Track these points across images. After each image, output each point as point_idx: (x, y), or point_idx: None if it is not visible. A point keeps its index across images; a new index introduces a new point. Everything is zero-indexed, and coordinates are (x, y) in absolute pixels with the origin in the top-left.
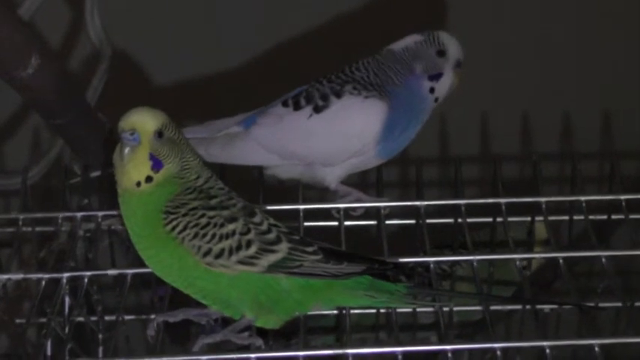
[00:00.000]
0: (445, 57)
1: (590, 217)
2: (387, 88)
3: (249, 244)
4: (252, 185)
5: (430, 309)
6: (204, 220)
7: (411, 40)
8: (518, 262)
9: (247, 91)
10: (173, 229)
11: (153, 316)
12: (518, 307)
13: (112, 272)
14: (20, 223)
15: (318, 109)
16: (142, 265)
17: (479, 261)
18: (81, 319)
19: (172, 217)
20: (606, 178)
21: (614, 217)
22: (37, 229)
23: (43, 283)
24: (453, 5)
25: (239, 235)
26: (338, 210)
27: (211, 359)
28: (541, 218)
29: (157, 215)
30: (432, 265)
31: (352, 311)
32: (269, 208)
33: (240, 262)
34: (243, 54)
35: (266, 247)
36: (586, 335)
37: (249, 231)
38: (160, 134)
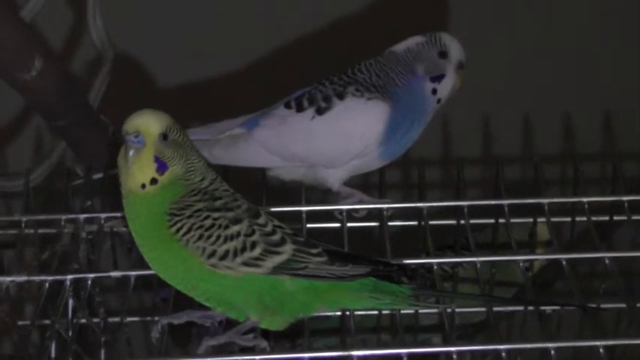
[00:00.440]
0: (447, 58)
1: (593, 218)
2: (389, 90)
3: (253, 245)
4: (254, 187)
5: (433, 310)
6: (208, 222)
7: (412, 41)
8: (521, 264)
9: (250, 93)
10: (177, 230)
11: (156, 319)
12: (521, 308)
13: (115, 274)
14: (23, 225)
15: (320, 111)
16: (145, 267)
17: (481, 262)
18: (84, 321)
19: (177, 218)
20: (608, 179)
21: (616, 218)
22: (40, 231)
23: (47, 285)
24: (455, 7)
25: (244, 237)
26: (340, 211)
27: None
28: (543, 219)
29: (162, 217)
30: (435, 267)
31: (355, 312)
32: (272, 209)
33: (245, 264)
34: (246, 56)
35: (271, 249)
36: (590, 336)
37: (253, 232)
38: (164, 136)
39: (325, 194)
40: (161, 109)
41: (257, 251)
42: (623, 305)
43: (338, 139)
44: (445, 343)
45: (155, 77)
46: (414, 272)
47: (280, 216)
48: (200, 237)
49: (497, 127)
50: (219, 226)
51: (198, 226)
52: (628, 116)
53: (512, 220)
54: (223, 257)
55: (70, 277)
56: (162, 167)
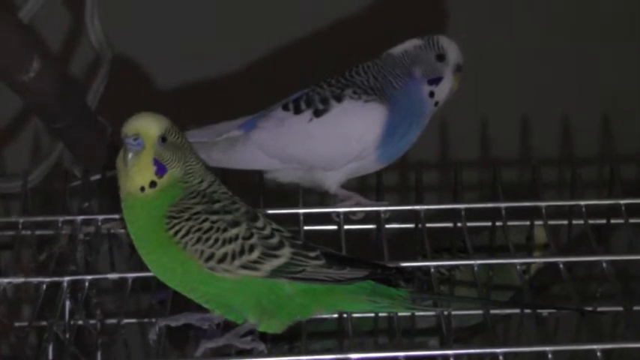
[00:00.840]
0: (445, 61)
1: (590, 221)
2: (386, 93)
3: (252, 248)
4: (252, 189)
5: (430, 313)
6: (207, 225)
7: (410, 44)
8: (518, 267)
9: (248, 95)
10: (176, 233)
11: (154, 321)
12: (518, 311)
13: (112, 276)
14: (20, 226)
15: (318, 113)
16: (143, 269)
17: (479, 265)
18: (81, 322)
19: (175, 221)
20: (606, 182)
21: (613, 221)
22: (37, 232)
23: (44, 286)
24: (453, 10)
25: (242, 240)
26: (338, 214)
27: None
28: (541, 222)
29: (160, 220)
30: (432, 270)
31: (352, 315)
32: (269, 211)
33: (243, 267)
34: (244, 57)
35: (269, 252)
36: (587, 339)
37: (252, 235)
38: (163, 139)
39: (323, 197)
40: (159, 110)
41: (255, 254)
42: (621, 308)
43: (336, 142)
44: (442, 346)
45: (153, 79)
46: (412, 275)
47: (278, 218)
48: (198, 240)
49: (494, 130)
50: (218, 229)
51: (197, 228)
52: (626, 119)
53: (510, 223)
54: (221, 260)
55: (67, 278)
56: (161, 170)
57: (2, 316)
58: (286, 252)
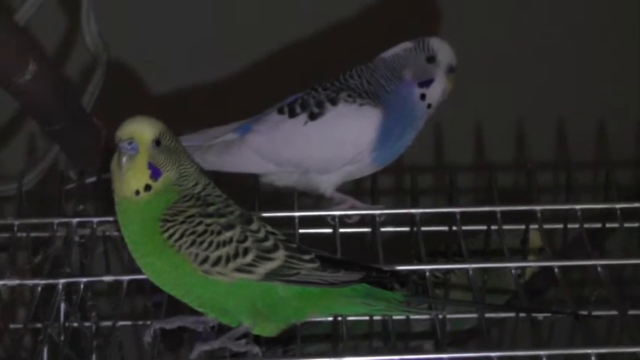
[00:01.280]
0: (435, 63)
1: (585, 225)
2: (380, 96)
3: (246, 251)
4: (247, 192)
5: (425, 317)
6: (201, 228)
7: (401, 47)
8: (513, 271)
9: (243, 99)
10: (170, 236)
11: (149, 323)
12: (513, 315)
13: (107, 279)
14: (15, 228)
15: (313, 116)
16: (138, 271)
17: (474, 269)
18: (76, 325)
19: (169, 224)
20: (601, 186)
21: (608, 225)
22: (33, 234)
23: (39, 289)
24: (448, 13)
25: (236, 243)
26: (333, 217)
27: None
28: (536, 226)
29: (155, 223)
30: (427, 273)
31: (347, 318)
32: (264, 215)
33: (238, 270)
34: (239, 61)
35: (263, 255)
36: (581, 343)
37: (246, 239)
38: (157, 143)
39: (318, 200)
40: (154, 113)
41: (249, 257)
42: (615, 312)
43: (331, 145)
44: (437, 350)
45: (148, 81)
46: (407, 278)
47: (273, 221)
48: (193, 243)
49: (490, 134)
50: (212, 232)
51: (191, 232)
52: (621, 123)
53: (505, 227)
54: (216, 263)
55: (62, 281)
56: (155, 174)
57: None
58: (281, 255)
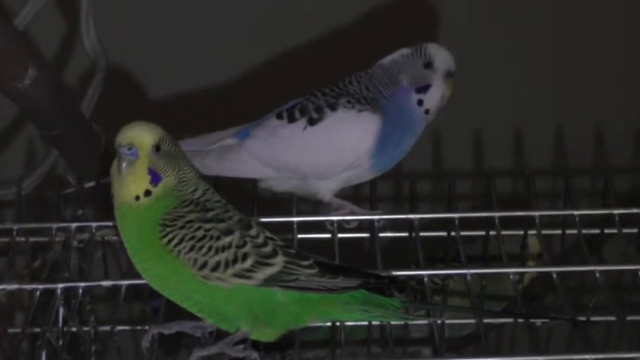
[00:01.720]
0: (432, 68)
1: (584, 231)
2: (378, 102)
3: (245, 257)
4: (246, 198)
5: (424, 322)
6: (200, 233)
7: (398, 54)
8: (511, 276)
9: (242, 104)
10: (169, 241)
11: (147, 328)
12: (511, 320)
13: (106, 283)
14: (14, 233)
15: (312, 122)
16: (136, 276)
17: (472, 275)
18: (74, 329)
19: (169, 229)
20: (599, 192)
21: (607, 231)
22: (31, 239)
23: (38, 293)
24: (448, 19)
25: (235, 248)
26: (332, 222)
27: None
28: (534, 232)
29: (154, 228)
30: (425, 279)
31: (345, 324)
32: (263, 220)
33: (236, 275)
34: (238, 66)
35: (262, 261)
36: (579, 349)
37: (245, 244)
38: (157, 148)
39: (316, 205)
40: (153, 119)
41: (248, 263)
42: (613, 318)
43: (329, 150)
44: (435, 356)
45: (147, 87)
46: (405, 284)
47: (272, 226)
48: (192, 248)
49: (488, 140)
50: (211, 237)
51: (190, 237)
52: (619, 129)
53: (504, 233)
54: (215, 268)
55: (60, 285)
56: (155, 179)
57: None
58: (279, 260)
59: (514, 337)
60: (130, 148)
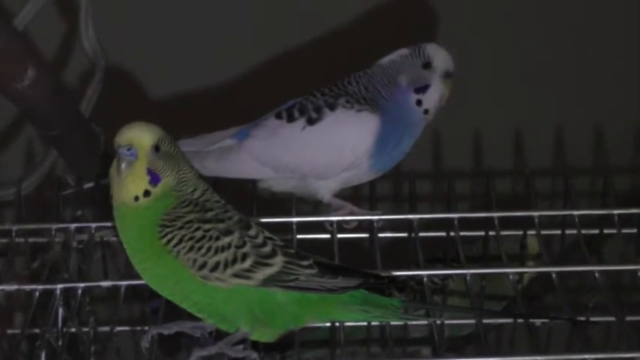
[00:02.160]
0: (431, 69)
1: (583, 231)
2: (377, 103)
3: (244, 257)
4: (245, 198)
5: (423, 322)
6: (199, 233)
7: (397, 54)
8: (511, 276)
9: (241, 104)
10: (168, 242)
11: (146, 329)
12: (511, 320)
13: (105, 284)
14: (13, 234)
15: (311, 122)
16: (136, 277)
17: (472, 275)
18: (74, 330)
19: (168, 230)
20: (599, 192)
21: (606, 231)
22: (31, 240)
23: (37, 294)
24: (447, 20)
25: (234, 249)
26: (331, 223)
27: None
28: (534, 232)
29: (153, 228)
30: (425, 279)
31: (344, 324)
32: (262, 220)
33: (236, 276)
34: (238, 67)
35: (261, 261)
36: (579, 349)
37: (244, 244)
38: (156, 148)
39: (316, 206)
40: (153, 119)
41: (248, 263)
42: (613, 319)
43: (329, 150)
44: (434, 356)
45: (147, 87)
46: (404, 284)
47: (271, 227)
48: (191, 248)
49: (488, 140)
50: (210, 238)
51: (189, 237)
52: (619, 130)
53: (503, 233)
54: (214, 269)
55: (60, 286)
56: (155, 179)
57: None
58: (279, 261)
59: (514, 338)
60: (129, 149)
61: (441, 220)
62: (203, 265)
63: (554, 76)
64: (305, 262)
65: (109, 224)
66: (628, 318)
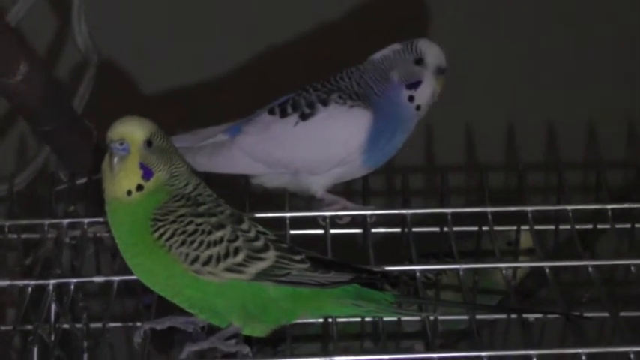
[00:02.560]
0: (423, 65)
1: (576, 226)
2: (369, 98)
3: (236, 251)
4: (238, 192)
5: (416, 317)
6: (191, 228)
7: (389, 50)
8: (504, 271)
9: (234, 99)
10: (161, 236)
11: (139, 324)
12: (504, 315)
13: (98, 279)
14: (6, 229)
15: (304, 117)
16: (128, 272)
17: (465, 270)
18: (66, 326)
19: (160, 224)
20: (592, 186)
21: (599, 226)
22: (24, 235)
23: (30, 290)
24: (439, 15)
25: (227, 243)
26: (324, 218)
27: None
28: (527, 227)
29: (145, 223)
30: (418, 274)
31: (338, 319)
32: (255, 215)
33: (228, 270)
34: (230, 62)
35: (254, 255)
36: (572, 344)
37: (236, 238)
38: (149, 143)
39: (309, 201)
40: (145, 114)
41: (240, 257)
42: (606, 313)
43: (321, 145)
44: (427, 350)
45: (139, 82)
46: (397, 279)
47: (264, 222)
48: (183, 242)
49: (481, 135)
50: (203, 232)
51: (182, 231)
52: (612, 124)
53: (496, 228)
54: (206, 263)
55: (52, 281)
56: (147, 174)
57: None
58: (271, 255)
59: (507, 332)
60: (121, 144)
61: (434, 215)
62: (195, 259)
63: (547, 70)
64: (297, 257)
65: (101, 220)
66: (621, 313)
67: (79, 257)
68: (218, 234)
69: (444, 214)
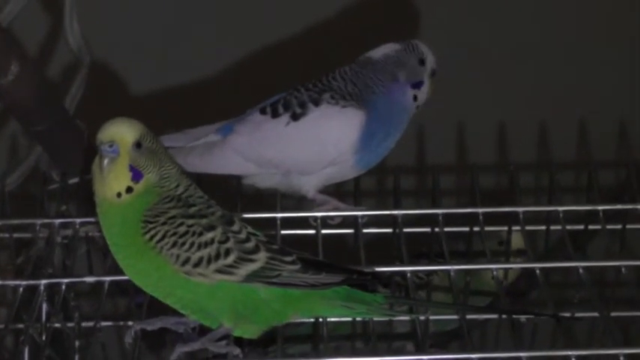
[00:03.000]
0: (424, 66)
1: (568, 227)
2: (365, 98)
3: (227, 252)
4: (230, 194)
5: (407, 318)
6: (182, 229)
7: (390, 48)
8: (495, 272)
9: (225, 99)
10: (152, 238)
11: (130, 324)
12: (495, 316)
13: (89, 279)
14: None
15: (295, 117)
16: (120, 272)
17: (456, 271)
18: (58, 325)
19: (151, 226)
20: (583, 187)
21: (591, 227)
22: (15, 235)
23: (21, 289)
24: (428, 14)
25: (217, 244)
26: (315, 218)
27: None
28: (518, 228)
29: (136, 225)
30: (409, 275)
31: (328, 320)
32: (246, 215)
33: (219, 271)
34: (221, 62)
35: (244, 256)
36: (563, 346)
37: (227, 240)
38: (138, 145)
39: (300, 201)
40: (136, 115)
41: (231, 259)
42: (597, 315)
43: (312, 145)
44: (418, 351)
45: (131, 83)
46: (389, 280)
47: (255, 222)
48: (174, 244)
49: (472, 136)
50: (193, 233)
51: (172, 233)
52: (603, 124)
53: (487, 229)
54: (197, 264)
55: (44, 281)
56: (137, 176)
57: None
58: (262, 256)
59: (498, 334)
60: (110, 145)
61: (425, 215)
62: (186, 261)
63: (538, 70)
64: (288, 258)
65: (93, 219)
66: (612, 314)
67: (70, 257)
68: (209, 235)
69: (436, 215)
